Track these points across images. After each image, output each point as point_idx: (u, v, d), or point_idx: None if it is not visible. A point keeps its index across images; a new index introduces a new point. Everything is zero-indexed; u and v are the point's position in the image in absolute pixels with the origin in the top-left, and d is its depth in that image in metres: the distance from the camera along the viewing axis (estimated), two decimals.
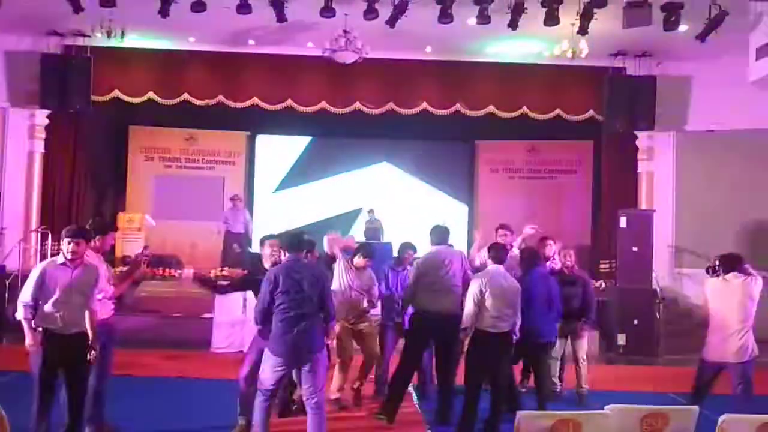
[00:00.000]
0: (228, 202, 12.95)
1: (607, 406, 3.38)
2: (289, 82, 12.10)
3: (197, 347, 9.00)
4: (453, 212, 14.18)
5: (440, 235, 6.21)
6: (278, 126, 13.79)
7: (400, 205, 14.16)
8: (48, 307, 4.66)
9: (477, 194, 14.44)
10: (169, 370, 7.91)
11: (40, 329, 4.68)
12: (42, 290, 4.65)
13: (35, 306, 4.67)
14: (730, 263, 5.58)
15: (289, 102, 12.08)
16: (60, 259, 4.74)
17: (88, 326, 4.78)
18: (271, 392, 4.87)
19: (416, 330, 6.09)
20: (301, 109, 12.18)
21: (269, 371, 4.80)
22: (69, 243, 4.68)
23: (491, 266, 5.62)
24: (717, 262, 5.69)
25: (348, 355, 6.40)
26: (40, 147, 11.93)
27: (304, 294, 4.73)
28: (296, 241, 4.98)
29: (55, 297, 4.65)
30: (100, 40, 10.75)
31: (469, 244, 13.57)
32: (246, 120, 13.36)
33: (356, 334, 6.44)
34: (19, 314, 4.70)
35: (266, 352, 4.86)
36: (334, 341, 6.00)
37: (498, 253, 5.72)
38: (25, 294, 4.69)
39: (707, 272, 5.80)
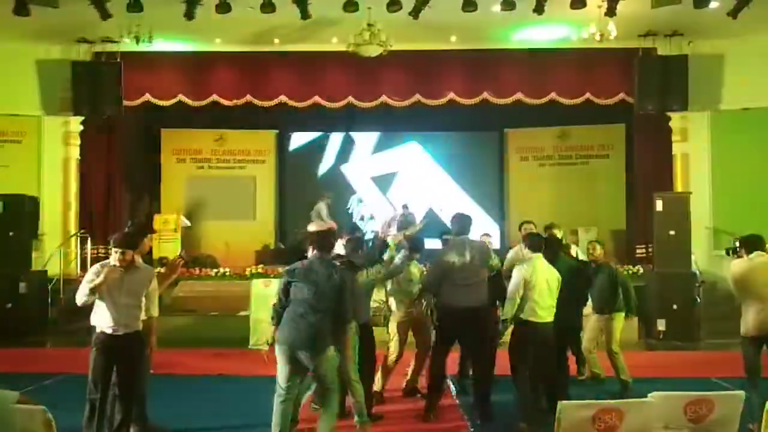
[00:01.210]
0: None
1: (649, 394, 3.33)
2: (315, 79, 12.14)
3: (235, 345, 9.10)
4: (485, 203, 14.10)
5: (462, 224, 6.08)
6: (306, 123, 13.82)
7: (430, 197, 14.14)
8: (99, 309, 4.82)
9: (508, 183, 14.31)
10: (209, 368, 8.02)
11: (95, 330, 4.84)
12: (93, 288, 4.77)
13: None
14: (752, 244, 5.55)
15: (316, 98, 12.12)
16: (112, 261, 4.87)
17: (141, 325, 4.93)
18: (286, 391, 4.81)
19: (441, 326, 6.00)
20: (328, 105, 12.22)
21: (280, 366, 4.81)
22: (116, 253, 4.81)
23: (531, 255, 5.57)
24: (737, 244, 5.65)
25: (401, 350, 6.44)
26: (75, 153, 12.17)
27: (319, 293, 4.74)
28: (326, 241, 5.00)
29: (106, 299, 4.78)
30: (128, 45, 10.91)
31: (503, 235, 13.57)
32: (274, 118, 13.43)
33: (415, 323, 6.48)
34: (81, 301, 4.82)
35: (276, 348, 4.86)
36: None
37: (535, 242, 5.66)
38: (80, 295, 4.80)
39: (727, 254, 5.79)
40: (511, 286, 5.51)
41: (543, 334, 5.46)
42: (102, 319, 4.85)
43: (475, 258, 5.83)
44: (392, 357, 6.40)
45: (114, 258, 4.82)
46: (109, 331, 4.82)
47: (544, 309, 5.42)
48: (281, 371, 4.79)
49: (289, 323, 4.75)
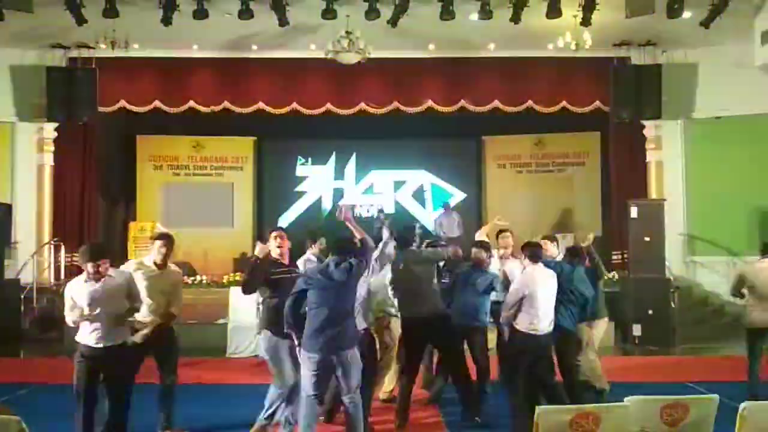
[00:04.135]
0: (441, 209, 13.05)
1: (626, 398, 3.37)
2: (293, 86, 12.14)
3: (214, 354, 9.02)
4: (462, 209, 14.17)
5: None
6: (284, 130, 13.76)
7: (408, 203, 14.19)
8: (82, 324, 4.79)
9: (485, 190, 14.39)
10: (187, 377, 7.92)
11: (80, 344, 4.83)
12: (74, 310, 4.76)
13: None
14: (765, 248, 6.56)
15: (294, 105, 12.10)
16: (83, 276, 4.81)
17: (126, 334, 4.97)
18: (315, 397, 4.85)
19: (407, 336, 6.01)
20: (307, 112, 12.20)
21: (307, 374, 4.84)
22: (92, 266, 4.72)
23: (530, 266, 5.59)
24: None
25: None
26: (49, 160, 12.01)
27: (339, 294, 4.82)
28: (344, 246, 5.04)
29: (86, 313, 4.73)
30: (104, 51, 10.80)
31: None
32: (252, 125, 13.36)
33: None
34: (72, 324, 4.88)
35: (302, 355, 4.89)
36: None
37: (534, 251, 5.66)
38: (68, 319, 4.84)
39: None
40: (509, 295, 5.54)
41: (544, 345, 5.50)
42: (83, 333, 4.81)
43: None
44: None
45: (90, 271, 4.72)
46: (91, 343, 4.78)
47: (545, 320, 5.45)
48: (310, 379, 4.81)
49: (315, 333, 4.79)
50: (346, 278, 4.82)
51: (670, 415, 3.35)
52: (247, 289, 5.43)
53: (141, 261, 5.62)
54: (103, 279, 4.76)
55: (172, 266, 5.70)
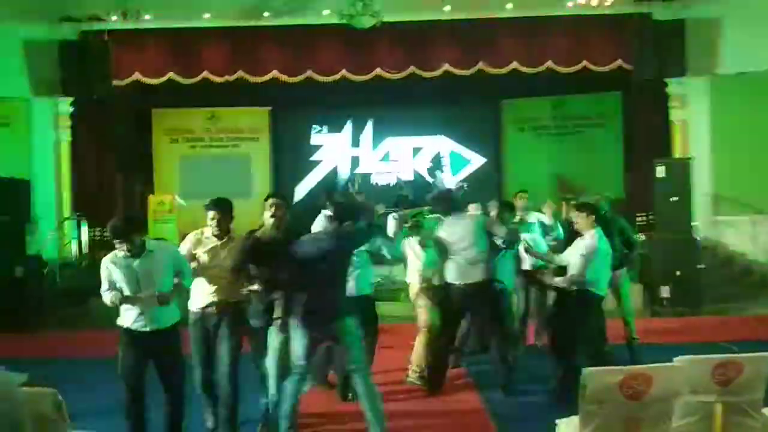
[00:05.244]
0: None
1: (675, 358, 3.26)
2: (307, 53, 11.93)
3: None
4: (482, 174, 14.00)
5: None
6: (299, 98, 13.57)
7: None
8: (123, 306, 4.39)
9: (505, 155, 14.18)
10: None
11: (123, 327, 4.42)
12: (113, 290, 4.34)
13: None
14: None
15: (309, 73, 11.92)
16: (120, 253, 4.35)
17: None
18: (303, 370, 4.63)
19: (445, 302, 5.91)
20: (321, 79, 12.02)
21: (299, 344, 4.61)
22: (121, 243, 4.29)
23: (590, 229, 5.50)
24: None
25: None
26: (66, 136, 11.98)
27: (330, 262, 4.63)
28: (348, 214, 4.84)
29: (125, 293, 4.32)
30: (116, 23, 10.66)
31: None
32: (266, 95, 13.20)
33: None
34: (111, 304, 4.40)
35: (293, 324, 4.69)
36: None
37: (591, 212, 5.57)
38: (105, 299, 4.38)
39: None
40: (578, 261, 5.43)
41: (600, 308, 5.49)
42: (126, 315, 4.39)
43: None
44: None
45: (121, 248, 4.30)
46: (134, 327, 4.37)
47: (604, 282, 5.47)
48: (301, 348, 4.65)
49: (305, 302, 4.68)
50: (335, 245, 4.65)
51: (723, 374, 3.25)
52: (235, 273, 4.76)
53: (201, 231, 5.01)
54: (142, 254, 4.34)
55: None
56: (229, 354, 4.72)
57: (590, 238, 5.46)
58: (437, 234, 5.91)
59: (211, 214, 4.86)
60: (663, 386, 3.10)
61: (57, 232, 11.34)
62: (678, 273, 9.59)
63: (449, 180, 13.43)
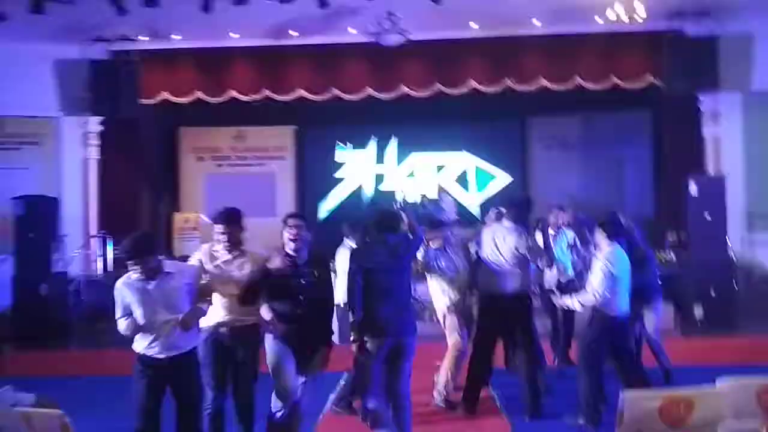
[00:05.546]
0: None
1: (717, 380, 3.09)
2: (332, 72, 11.94)
3: None
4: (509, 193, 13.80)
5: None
6: (323, 117, 13.56)
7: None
8: (138, 334, 4.19)
9: (532, 173, 14.00)
10: None
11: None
12: (127, 318, 4.14)
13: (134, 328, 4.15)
14: None
15: (334, 91, 11.92)
16: (134, 275, 4.19)
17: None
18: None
19: (482, 315, 5.80)
20: (347, 97, 12.00)
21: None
22: (134, 264, 4.10)
23: (609, 244, 5.36)
24: None
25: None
26: (94, 153, 12.09)
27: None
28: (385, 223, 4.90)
29: (140, 321, 4.12)
30: (145, 43, 10.78)
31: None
32: (291, 114, 13.23)
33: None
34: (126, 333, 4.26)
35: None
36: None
37: (614, 227, 5.44)
38: (120, 328, 4.21)
39: None
40: (597, 278, 5.27)
41: (623, 326, 5.35)
42: (141, 341, 4.20)
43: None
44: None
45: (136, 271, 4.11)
46: (149, 353, 4.17)
47: (624, 299, 5.28)
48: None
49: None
50: (391, 257, 4.60)
51: None
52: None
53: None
54: (157, 276, 4.15)
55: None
56: (246, 382, 4.57)
57: (605, 256, 5.33)
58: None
59: (218, 228, 4.66)
60: (705, 411, 2.93)
61: (83, 249, 11.39)
62: (713, 293, 9.31)
63: (470, 199, 13.34)
